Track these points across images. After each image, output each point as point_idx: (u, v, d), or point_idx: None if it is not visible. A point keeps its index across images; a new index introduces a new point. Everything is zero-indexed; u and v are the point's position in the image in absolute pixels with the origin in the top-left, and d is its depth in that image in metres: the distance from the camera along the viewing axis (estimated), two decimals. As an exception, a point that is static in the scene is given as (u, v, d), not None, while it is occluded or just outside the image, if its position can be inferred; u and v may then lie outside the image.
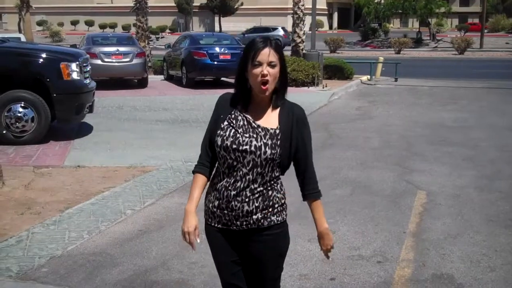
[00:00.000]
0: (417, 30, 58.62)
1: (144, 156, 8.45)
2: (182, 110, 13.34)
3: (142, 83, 18.41)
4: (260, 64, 2.58)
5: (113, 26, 73.91)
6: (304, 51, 21.60)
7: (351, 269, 4.70)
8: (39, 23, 67.70)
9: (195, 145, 9.01)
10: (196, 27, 72.54)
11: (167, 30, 71.50)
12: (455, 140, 10.17)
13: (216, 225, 2.73)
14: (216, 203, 2.70)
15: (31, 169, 7.61)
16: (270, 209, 2.69)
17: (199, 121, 11.65)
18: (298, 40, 22.13)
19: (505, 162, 8.53)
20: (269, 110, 2.70)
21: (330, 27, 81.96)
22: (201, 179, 2.75)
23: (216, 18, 68.51)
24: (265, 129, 2.65)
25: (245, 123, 2.67)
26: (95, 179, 7.19)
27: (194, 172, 2.78)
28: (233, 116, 2.69)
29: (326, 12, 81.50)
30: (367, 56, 34.76)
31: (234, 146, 2.62)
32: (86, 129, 10.50)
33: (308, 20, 22.26)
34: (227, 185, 2.66)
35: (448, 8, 54.15)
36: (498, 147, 9.62)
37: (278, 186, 2.73)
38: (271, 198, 2.69)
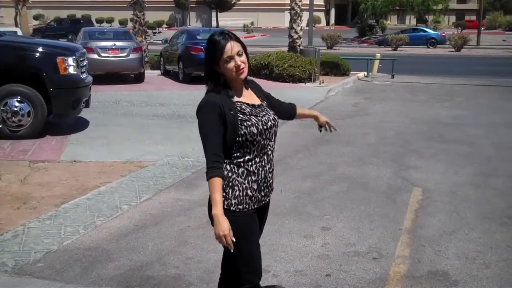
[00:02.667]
0: (414, 27, 58.64)
1: (140, 151, 8.45)
2: (178, 105, 13.32)
3: (138, 78, 18.40)
4: (231, 58, 2.80)
5: (110, 20, 73.73)
6: (301, 47, 21.59)
7: (347, 265, 4.71)
8: (36, 17, 67.51)
9: (191, 140, 9.06)
10: (193, 22, 72.41)
11: (164, 25, 71.42)
12: (452, 137, 10.19)
13: (253, 207, 2.91)
14: (255, 186, 2.89)
15: (27, 164, 7.60)
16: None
17: (195, 116, 11.61)
18: (295, 36, 22.11)
19: (501, 159, 8.55)
20: (246, 91, 2.99)
21: (327, 23, 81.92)
22: (219, 182, 2.80)
23: (213, 14, 68.35)
24: (261, 106, 2.99)
25: (250, 108, 2.92)
26: (92, 174, 7.18)
27: (211, 177, 2.79)
28: (238, 108, 2.86)
29: (324, 8, 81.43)
30: (364, 52, 34.78)
31: (265, 127, 2.88)
32: (82, 124, 10.48)
33: (305, 16, 22.25)
34: (262, 163, 2.92)
35: (445, 5, 54.24)
36: (495, 144, 9.65)
37: None
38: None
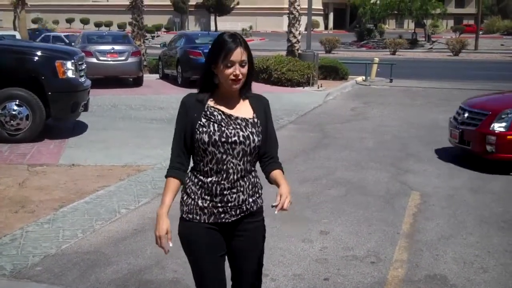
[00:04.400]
0: (413, 31, 58.81)
1: (139, 155, 8.45)
2: (177, 109, 13.28)
3: (137, 82, 18.41)
4: (233, 64, 2.63)
5: (108, 24, 73.83)
6: (299, 51, 21.62)
7: (345, 269, 4.72)
8: (34, 21, 67.51)
9: (190, 144, 9.04)
10: (192, 26, 72.51)
11: (163, 29, 71.50)
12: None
13: (206, 220, 2.72)
14: (207, 199, 2.70)
15: (26, 167, 7.60)
16: (257, 194, 2.81)
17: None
18: (294, 40, 22.14)
19: (496, 164, 8.56)
20: (239, 102, 2.77)
21: (326, 27, 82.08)
22: (174, 183, 2.74)
23: (212, 17, 68.45)
24: (244, 120, 2.73)
25: (223, 116, 2.71)
26: (90, 177, 7.18)
27: (167, 176, 2.76)
28: (208, 112, 2.71)
29: (322, 13, 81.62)
30: (362, 56, 34.83)
31: (223, 139, 2.65)
32: (81, 128, 10.49)
33: (303, 20, 22.26)
34: (219, 179, 2.68)
35: (443, 9, 54.34)
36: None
37: (256, 172, 2.82)
38: (256, 184, 2.81)
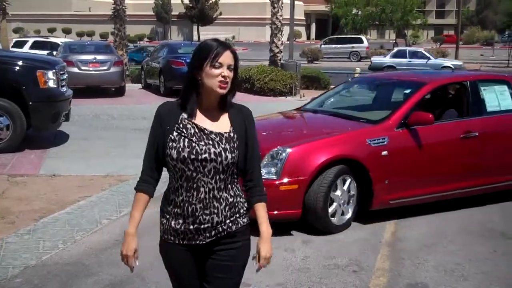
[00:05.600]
0: (394, 41, 59.31)
1: (120, 164, 8.41)
2: (159, 119, 13.27)
3: (119, 92, 18.35)
4: (221, 65, 2.51)
5: (90, 34, 73.51)
6: (282, 61, 21.72)
7: (327, 278, 4.73)
8: (16, 31, 67.02)
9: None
10: (175, 36, 72.47)
11: (145, 39, 71.36)
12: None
13: (180, 242, 2.59)
14: (180, 220, 2.56)
15: (6, 178, 7.52)
16: (237, 215, 2.62)
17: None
18: (276, 50, 22.25)
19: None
20: (217, 114, 2.61)
21: (308, 38, 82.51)
22: (143, 198, 2.64)
23: (195, 28, 68.49)
24: (219, 134, 2.57)
25: (196, 130, 2.56)
26: (71, 188, 7.13)
27: (136, 190, 2.65)
28: (181, 125, 2.56)
29: (304, 23, 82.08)
30: (345, 66, 35.02)
31: (193, 156, 2.50)
32: (62, 138, 10.41)
33: (286, 30, 22.39)
34: (189, 199, 2.54)
35: (424, 20, 55.03)
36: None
37: (239, 189, 2.65)
38: (236, 204, 2.62)
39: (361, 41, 46.41)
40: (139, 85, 21.43)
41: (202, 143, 2.53)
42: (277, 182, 5.52)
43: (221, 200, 2.57)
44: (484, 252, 5.40)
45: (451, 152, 6.48)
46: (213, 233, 2.57)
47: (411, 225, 6.13)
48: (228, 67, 2.53)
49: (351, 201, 5.98)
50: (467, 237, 5.83)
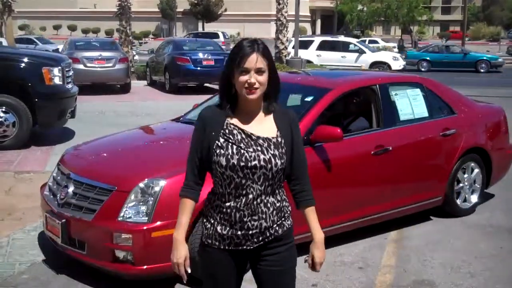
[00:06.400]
0: (399, 37, 59.17)
1: (126, 161, 8.40)
2: (165, 116, 13.28)
3: (125, 88, 18.36)
4: (247, 71, 2.42)
5: (96, 31, 73.59)
6: (287, 58, 21.70)
7: (333, 275, 4.72)
8: (21, 27, 67.17)
9: (178, 151, 8.97)
10: (180, 33, 72.46)
11: (151, 36, 71.38)
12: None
13: (225, 247, 2.54)
14: (227, 226, 2.51)
15: (12, 175, 7.55)
16: (283, 218, 2.59)
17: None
18: (281, 46, 22.24)
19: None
20: (262, 117, 2.55)
21: (313, 34, 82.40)
22: (189, 204, 2.57)
23: (200, 24, 68.46)
24: (267, 140, 2.50)
25: (243, 136, 2.49)
26: (77, 184, 7.13)
27: (181, 196, 2.58)
28: (227, 131, 2.49)
29: (309, 19, 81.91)
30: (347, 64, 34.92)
31: (242, 164, 2.44)
32: (67, 135, 10.43)
33: (291, 26, 22.37)
34: (238, 205, 2.48)
35: (430, 16, 54.80)
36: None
37: (284, 193, 2.62)
38: (282, 208, 2.58)
39: (217, 36, 46.42)
40: (145, 82, 21.44)
41: (251, 149, 2.47)
42: (147, 227, 4.14)
43: (269, 205, 2.52)
44: (491, 249, 5.39)
45: (363, 171, 5.35)
46: (260, 238, 2.53)
47: (416, 222, 6.11)
48: (257, 71, 2.43)
49: None
50: (473, 234, 5.82)
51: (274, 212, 2.54)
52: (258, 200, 2.48)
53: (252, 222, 2.49)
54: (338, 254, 5.18)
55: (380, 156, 5.37)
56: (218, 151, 2.46)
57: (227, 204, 2.50)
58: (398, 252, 5.30)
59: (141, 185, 4.27)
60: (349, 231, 5.36)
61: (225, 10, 66.38)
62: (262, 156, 2.46)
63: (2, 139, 9.00)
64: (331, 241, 5.45)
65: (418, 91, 6.07)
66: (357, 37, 55.07)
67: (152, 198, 4.20)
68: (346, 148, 5.18)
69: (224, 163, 2.44)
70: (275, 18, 22.97)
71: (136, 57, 24.63)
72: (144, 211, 4.19)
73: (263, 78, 2.44)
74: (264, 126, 2.53)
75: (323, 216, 4.57)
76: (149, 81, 21.06)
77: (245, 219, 2.49)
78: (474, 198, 6.42)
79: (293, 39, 22.87)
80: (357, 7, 53.43)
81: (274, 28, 23.66)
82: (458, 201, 6.27)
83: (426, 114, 5.97)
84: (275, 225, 2.54)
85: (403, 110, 5.80)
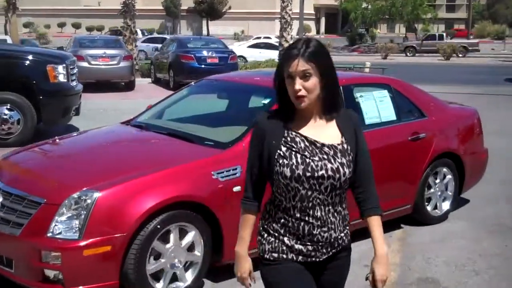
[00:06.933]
0: (404, 35, 59.07)
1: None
2: (169, 114, 13.30)
3: (129, 86, 18.40)
4: (292, 77, 2.22)
5: (100, 28, 73.69)
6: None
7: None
8: (26, 25, 67.30)
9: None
10: (184, 31, 72.52)
11: (155, 33, 71.45)
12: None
13: (294, 259, 2.37)
14: (294, 239, 2.34)
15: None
16: (347, 227, 2.47)
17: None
18: (286, 44, 22.19)
19: (490, 167, 8.59)
20: (324, 122, 2.34)
21: (318, 32, 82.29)
22: (251, 218, 2.44)
23: (204, 22, 68.50)
24: (333, 147, 2.30)
25: (307, 143, 2.29)
26: (81, 182, 7.13)
27: (244, 210, 2.45)
28: (288, 138, 2.30)
29: (314, 17, 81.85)
30: (354, 61, 34.93)
31: (308, 174, 2.25)
32: (72, 132, 10.42)
33: (295, 24, 22.36)
34: (305, 218, 2.31)
35: (434, 14, 54.79)
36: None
37: (346, 200, 2.45)
38: (346, 217, 2.46)
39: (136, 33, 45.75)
40: (149, 80, 21.45)
41: (316, 158, 2.27)
42: (78, 244, 3.75)
43: (336, 214, 2.37)
44: (495, 247, 5.38)
45: None
46: (329, 249, 2.39)
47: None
48: (303, 76, 2.21)
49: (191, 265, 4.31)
50: (477, 232, 5.81)
51: (341, 221, 2.40)
52: (327, 211, 2.32)
53: (322, 234, 2.33)
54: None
55: None
56: (281, 161, 2.27)
57: (293, 218, 2.32)
58: (403, 250, 5.29)
59: (73, 197, 3.85)
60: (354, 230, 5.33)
61: (229, 8, 66.42)
62: (329, 165, 2.27)
63: (7, 137, 9.02)
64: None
65: (385, 92, 5.62)
66: (361, 35, 55.24)
67: (84, 212, 3.78)
68: None
69: (288, 174, 2.25)
70: (280, 16, 22.94)
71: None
72: (75, 226, 3.79)
73: (310, 83, 2.21)
74: (326, 131, 2.33)
75: None
76: (153, 79, 21.07)
77: (314, 232, 2.32)
78: (446, 205, 6.04)
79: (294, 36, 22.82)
80: (361, 5, 53.46)
81: (279, 26, 23.64)
82: (429, 208, 5.90)
83: (394, 117, 5.56)
84: (342, 234, 2.42)
85: (369, 113, 5.37)
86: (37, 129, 9.43)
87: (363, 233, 5.48)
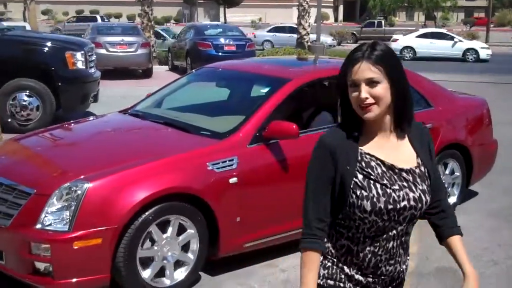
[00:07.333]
0: (423, 24, 58.51)
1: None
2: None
3: (146, 73, 18.45)
4: (356, 84, 1.92)
5: (118, 16, 73.88)
6: (308, 43, 21.59)
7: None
8: (44, 12, 67.67)
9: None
10: (201, 18, 72.45)
11: (172, 21, 71.49)
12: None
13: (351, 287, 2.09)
14: (355, 269, 2.05)
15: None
16: (408, 257, 2.20)
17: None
18: (303, 32, 22.12)
19: (507, 157, 8.52)
20: (395, 139, 2.02)
21: (336, 20, 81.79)
22: (316, 257, 2.00)
23: (221, 9, 68.39)
24: (411, 172, 2.01)
25: (384, 169, 1.98)
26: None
27: (306, 248, 1.99)
28: (363, 163, 1.97)
29: (332, 5, 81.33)
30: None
31: (390, 207, 1.95)
32: (74, 120, 10.49)
33: (313, 12, 22.22)
34: (376, 250, 2.02)
35: (454, 2, 54.15)
36: (499, 142, 9.59)
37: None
38: (409, 244, 2.18)
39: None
40: (166, 67, 21.50)
41: (396, 186, 1.97)
42: (67, 236, 3.68)
43: (405, 245, 2.12)
44: (514, 237, 5.34)
45: None
46: (389, 281, 2.12)
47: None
48: (370, 82, 1.91)
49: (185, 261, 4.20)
50: (495, 222, 5.76)
51: (406, 251, 2.15)
52: (398, 243, 2.06)
53: (388, 267, 2.07)
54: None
55: None
56: (358, 192, 1.94)
57: (361, 247, 2.03)
58: (420, 239, 5.26)
59: (63, 188, 3.76)
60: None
61: (247, -5, 66.21)
62: (411, 195, 1.98)
63: (26, 123, 9.11)
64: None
65: None
66: (379, 24, 54.87)
67: (74, 203, 3.69)
68: (306, 145, 4.43)
69: (369, 208, 1.93)
70: (297, 3, 22.81)
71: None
72: (65, 218, 3.70)
73: (379, 90, 1.91)
74: (401, 152, 2.03)
75: (277, 221, 4.47)
76: (170, 66, 21.12)
77: (380, 265, 2.04)
78: (452, 199, 5.86)
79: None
80: (380, -7, 52.96)
81: (296, 14, 23.52)
82: None
83: None
84: (404, 266, 2.15)
85: None
86: (56, 116, 9.51)
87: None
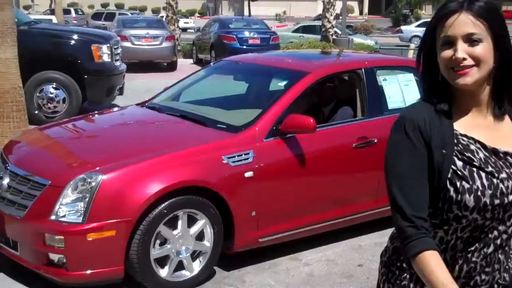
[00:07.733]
0: (449, 16, 57.78)
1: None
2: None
3: (171, 67, 18.51)
4: (451, 41, 1.53)
5: (143, 9, 74.23)
6: (333, 37, 21.46)
7: (379, 256, 4.66)
8: (70, 5, 68.28)
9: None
10: (226, 11, 72.46)
11: (197, 14, 71.65)
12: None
13: None
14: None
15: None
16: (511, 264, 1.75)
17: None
18: (328, 25, 21.96)
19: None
20: (492, 119, 1.63)
21: (361, 13, 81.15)
22: (436, 256, 1.56)
23: (246, 3, 68.29)
24: None
25: (486, 153, 1.58)
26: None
27: (420, 252, 1.55)
28: (460, 146, 1.57)
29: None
30: (398, 42, 34.34)
31: (497, 202, 1.55)
32: (89, 112, 10.55)
33: (338, 5, 22.08)
34: (468, 255, 1.64)
35: (481, -5, 53.21)
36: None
37: None
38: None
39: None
40: (191, 60, 21.55)
41: (503, 175, 1.57)
42: (81, 228, 3.67)
43: (506, 249, 1.69)
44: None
45: (341, 166, 4.69)
46: None
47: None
48: (468, 40, 1.52)
49: (201, 252, 4.14)
50: None
51: (508, 258, 1.71)
52: (496, 247, 1.66)
53: (482, 277, 1.66)
54: (385, 235, 5.11)
55: (362, 150, 4.69)
56: (459, 184, 1.54)
57: (450, 254, 1.66)
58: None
59: (77, 179, 3.74)
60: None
61: (271, -12, 65.99)
62: None
63: (52, 115, 9.19)
64: (376, 224, 5.40)
65: (410, 76, 5.21)
66: (406, 16, 54.34)
67: (88, 195, 3.67)
68: (323, 140, 4.60)
69: (471, 204, 1.55)
70: (322, -4, 22.70)
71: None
72: (79, 210, 3.68)
73: (480, 50, 1.52)
74: (503, 131, 1.63)
75: (292, 216, 4.41)
76: (195, 60, 21.16)
77: (473, 274, 1.65)
78: None
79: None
80: (406, -15, 52.41)
81: (321, 7, 23.38)
82: None
83: None
84: (505, 275, 1.71)
85: (392, 97, 5.08)
86: (82, 108, 9.59)
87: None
